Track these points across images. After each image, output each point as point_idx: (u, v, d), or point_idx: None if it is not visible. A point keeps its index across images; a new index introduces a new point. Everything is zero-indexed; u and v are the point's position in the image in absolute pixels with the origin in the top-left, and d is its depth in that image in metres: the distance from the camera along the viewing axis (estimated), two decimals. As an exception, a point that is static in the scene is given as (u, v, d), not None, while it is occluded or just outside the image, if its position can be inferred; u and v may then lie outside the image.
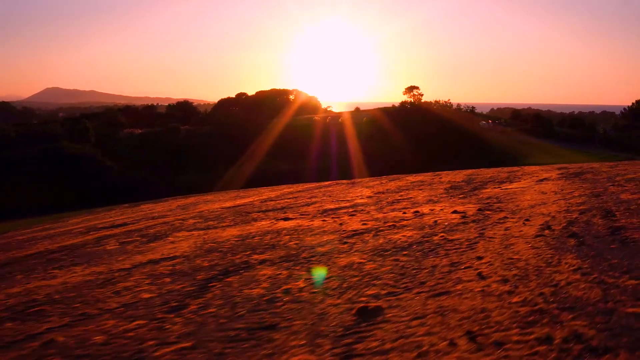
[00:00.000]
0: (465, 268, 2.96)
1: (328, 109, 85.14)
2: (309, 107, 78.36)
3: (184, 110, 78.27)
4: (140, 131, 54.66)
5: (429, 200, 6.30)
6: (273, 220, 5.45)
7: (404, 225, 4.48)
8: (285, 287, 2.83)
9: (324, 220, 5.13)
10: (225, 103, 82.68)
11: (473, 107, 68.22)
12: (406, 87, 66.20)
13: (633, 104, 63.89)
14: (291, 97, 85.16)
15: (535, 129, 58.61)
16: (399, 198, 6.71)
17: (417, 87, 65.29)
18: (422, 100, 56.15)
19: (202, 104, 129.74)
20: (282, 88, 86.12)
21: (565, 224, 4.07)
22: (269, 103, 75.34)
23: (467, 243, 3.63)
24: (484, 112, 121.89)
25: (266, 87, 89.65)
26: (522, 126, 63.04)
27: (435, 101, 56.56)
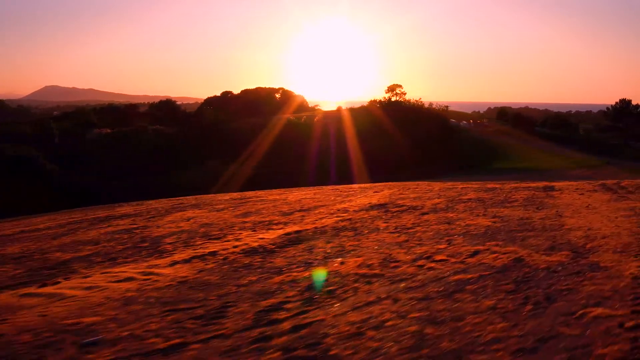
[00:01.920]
0: None
1: (316, 108, 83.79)
2: (296, 106, 76.99)
3: (166, 109, 77.02)
4: (108, 131, 53.69)
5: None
6: None
7: None
8: None
9: None
10: (211, 102, 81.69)
11: (447, 106, 66.10)
12: (388, 85, 64.61)
13: (616, 103, 60.18)
14: (277, 95, 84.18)
15: (516, 128, 56.58)
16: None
17: (400, 86, 63.62)
18: (394, 100, 54.33)
19: (199, 102, 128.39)
20: (268, 86, 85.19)
21: None
22: (255, 102, 74.35)
23: None
24: (481, 111, 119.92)
25: (256, 85, 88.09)
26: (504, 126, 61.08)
27: (406, 100, 54.72)
